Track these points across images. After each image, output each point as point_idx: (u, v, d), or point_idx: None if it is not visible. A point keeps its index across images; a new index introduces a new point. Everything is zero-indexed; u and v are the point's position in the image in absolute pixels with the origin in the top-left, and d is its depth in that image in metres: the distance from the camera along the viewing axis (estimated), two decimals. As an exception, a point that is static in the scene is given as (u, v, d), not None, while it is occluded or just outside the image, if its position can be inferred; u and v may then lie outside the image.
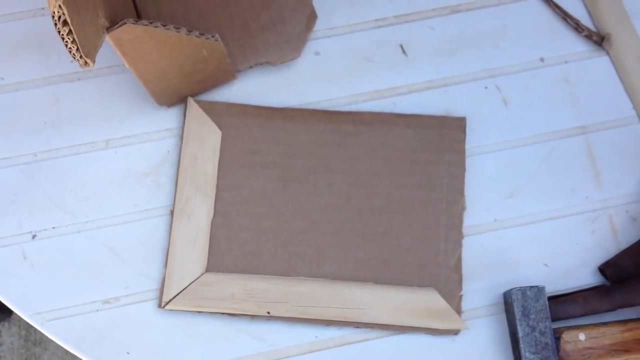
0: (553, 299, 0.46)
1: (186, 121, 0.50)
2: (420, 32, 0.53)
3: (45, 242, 0.49)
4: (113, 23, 0.40)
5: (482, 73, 0.52)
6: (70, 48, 0.34)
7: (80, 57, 0.35)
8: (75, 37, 0.33)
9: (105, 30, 0.38)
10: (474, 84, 0.52)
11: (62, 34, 0.32)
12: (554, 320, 0.45)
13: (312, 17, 0.52)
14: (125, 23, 0.38)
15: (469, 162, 0.50)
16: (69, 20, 0.31)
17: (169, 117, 0.52)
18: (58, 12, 0.31)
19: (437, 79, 0.52)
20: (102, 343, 0.47)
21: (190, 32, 0.42)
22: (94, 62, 0.36)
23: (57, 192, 0.50)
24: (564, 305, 0.46)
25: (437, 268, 0.48)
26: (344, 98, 0.52)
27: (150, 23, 0.40)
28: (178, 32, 0.41)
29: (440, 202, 0.49)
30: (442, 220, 0.49)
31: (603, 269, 0.48)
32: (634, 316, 0.47)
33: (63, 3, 0.30)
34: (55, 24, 0.32)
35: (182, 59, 0.45)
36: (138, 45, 0.41)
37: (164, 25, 0.41)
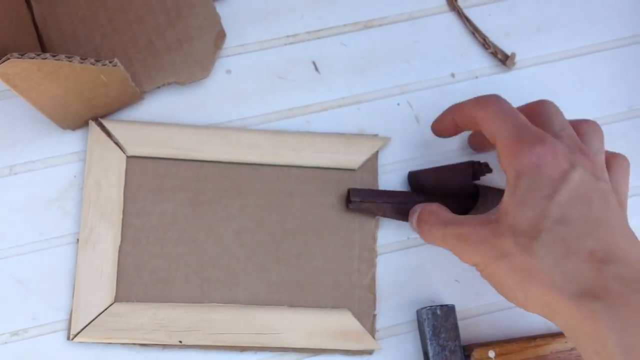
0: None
1: (88, 145, 0.48)
2: (332, 48, 0.52)
3: (-50, 274, 0.48)
4: (3, 54, 0.38)
5: (394, 90, 0.52)
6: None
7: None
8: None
9: (-13, 65, 0.36)
10: (386, 100, 0.52)
11: None
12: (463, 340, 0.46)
13: (221, 35, 0.50)
14: (8, 58, 0.36)
15: (382, 179, 0.50)
16: None
17: (75, 140, 0.50)
18: None
19: (350, 96, 0.52)
20: (11, 377, 0.46)
21: (84, 59, 0.41)
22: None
23: (-39, 221, 0.48)
24: None
25: (351, 288, 0.48)
26: (257, 117, 0.51)
27: (38, 55, 0.38)
28: (70, 61, 0.40)
29: (354, 221, 0.49)
30: (355, 239, 0.49)
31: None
32: (543, 332, 0.48)
33: None
34: None
35: (79, 86, 0.43)
36: (27, 78, 0.39)
37: (54, 56, 0.39)
